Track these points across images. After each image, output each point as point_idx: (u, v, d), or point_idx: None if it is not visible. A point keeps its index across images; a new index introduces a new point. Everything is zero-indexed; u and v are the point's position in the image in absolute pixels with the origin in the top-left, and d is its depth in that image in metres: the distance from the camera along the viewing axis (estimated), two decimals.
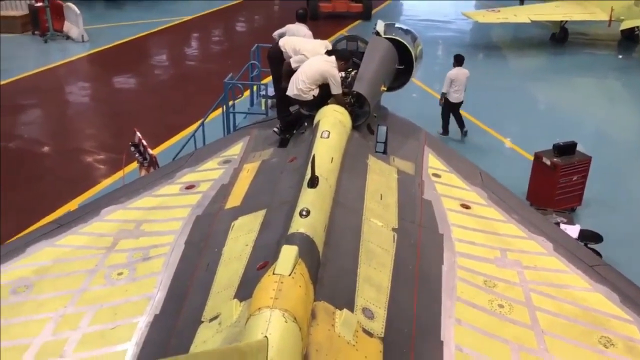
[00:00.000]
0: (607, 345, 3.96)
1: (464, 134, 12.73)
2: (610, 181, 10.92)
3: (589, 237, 7.75)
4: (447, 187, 5.96)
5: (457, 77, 12.41)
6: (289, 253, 3.47)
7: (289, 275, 3.32)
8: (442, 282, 4.45)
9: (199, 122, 10.60)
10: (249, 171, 6.03)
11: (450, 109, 12.71)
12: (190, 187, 5.99)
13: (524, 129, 14.01)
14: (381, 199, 5.25)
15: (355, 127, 6.27)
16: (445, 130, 12.89)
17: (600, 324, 4.17)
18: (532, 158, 10.32)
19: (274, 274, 3.32)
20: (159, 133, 12.63)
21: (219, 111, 11.26)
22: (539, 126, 13.78)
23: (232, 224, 4.95)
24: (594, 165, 9.80)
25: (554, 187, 9.35)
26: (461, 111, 12.82)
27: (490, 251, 4.96)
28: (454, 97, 12.46)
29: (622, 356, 3.87)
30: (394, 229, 4.86)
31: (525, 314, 4.23)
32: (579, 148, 9.83)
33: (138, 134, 8.79)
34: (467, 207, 5.61)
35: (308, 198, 4.35)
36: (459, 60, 12.57)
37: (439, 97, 12.94)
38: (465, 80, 12.46)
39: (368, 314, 3.78)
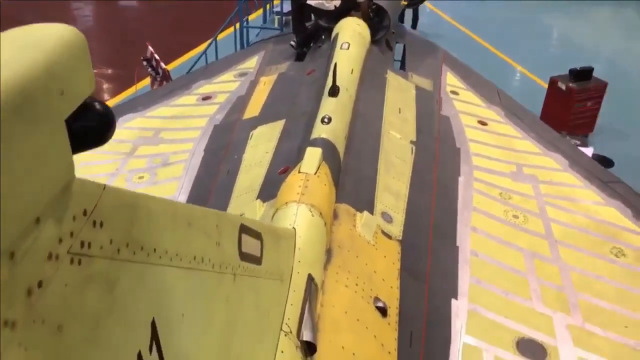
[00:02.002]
0: (619, 255, 4.07)
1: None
2: (623, 109, 10.81)
3: (600, 161, 7.72)
4: (464, 104, 5.94)
5: None
6: (313, 153, 3.54)
7: (314, 174, 3.39)
8: (458, 193, 4.52)
9: (210, 40, 10.44)
10: (265, 84, 6.00)
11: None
12: (206, 98, 6.00)
13: (538, 57, 13.79)
14: (400, 112, 5.25)
15: (373, 41, 6.18)
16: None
17: (612, 235, 4.26)
18: (546, 85, 10.19)
19: (299, 172, 3.39)
20: (168, 51, 12.45)
21: (230, 30, 11.06)
22: (553, 56, 13.56)
23: (251, 133, 4.98)
24: (607, 93, 9.69)
25: (567, 112, 9.29)
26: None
27: (507, 166, 5.01)
28: None
29: (632, 265, 3.99)
30: (412, 142, 4.89)
31: (540, 225, 4.32)
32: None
33: (150, 48, 8.69)
34: (484, 124, 5.62)
35: (329, 106, 4.36)
36: None
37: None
38: None
39: (387, 218, 3.87)
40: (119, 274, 1.01)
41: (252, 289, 1.80)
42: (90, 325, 0.93)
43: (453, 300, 3.56)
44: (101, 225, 0.95)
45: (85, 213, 0.91)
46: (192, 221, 1.29)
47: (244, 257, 1.68)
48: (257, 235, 1.88)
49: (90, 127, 0.90)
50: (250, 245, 1.76)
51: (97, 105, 0.91)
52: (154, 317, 1.11)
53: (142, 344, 1.07)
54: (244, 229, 1.71)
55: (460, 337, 3.36)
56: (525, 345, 3.34)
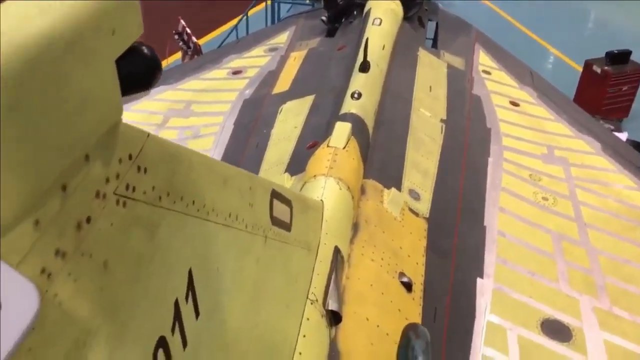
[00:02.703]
0: None
1: None
2: None
3: (635, 146, 7.58)
4: (496, 84, 5.86)
5: None
6: (343, 128, 3.54)
7: (343, 148, 3.39)
8: (487, 173, 4.48)
9: (241, 15, 10.43)
10: (296, 59, 5.99)
11: None
12: (237, 72, 6.02)
13: (573, 40, 13.47)
14: (430, 90, 5.21)
15: (406, 18, 6.11)
16: None
17: None
18: (580, 69, 9.96)
19: (328, 146, 3.40)
20: (200, 26, 12.46)
21: (261, 5, 11.03)
22: (589, 40, 13.23)
23: (281, 107, 4.99)
24: None
25: (602, 96, 9.07)
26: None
27: (537, 147, 4.94)
28: None
29: None
30: (442, 120, 4.85)
31: (569, 207, 4.26)
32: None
33: (182, 22, 8.72)
34: (516, 105, 5.55)
35: (359, 82, 4.35)
36: None
37: None
38: None
39: (414, 195, 3.86)
40: (160, 221, 1.03)
41: (281, 254, 1.82)
42: (133, 266, 0.96)
43: (478, 279, 3.55)
44: (145, 171, 0.97)
45: (130, 157, 0.94)
46: (227, 179, 1.31)
47: (275, 221, 1.70)
48: (287, 202, 1.90)
49: (138, 70, 0.92)
50: (281, 210, 1.78)
51: (145, 49, 0.93)
52: (190, 268, 1.14)
53: (179, 292, 1.10)
54: (275, 194, 1.73)
55: (485, 315, 3.35)
56: (550, 326, 3.32)
